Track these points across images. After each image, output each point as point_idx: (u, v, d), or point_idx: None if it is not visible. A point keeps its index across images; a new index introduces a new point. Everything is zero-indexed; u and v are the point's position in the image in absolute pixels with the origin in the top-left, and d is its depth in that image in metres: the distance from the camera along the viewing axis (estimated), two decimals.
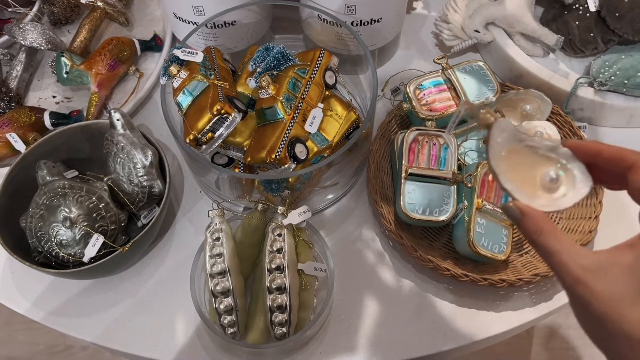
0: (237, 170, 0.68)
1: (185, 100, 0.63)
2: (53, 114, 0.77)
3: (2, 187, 0.66)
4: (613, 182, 0.40)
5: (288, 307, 0.59)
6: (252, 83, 0.65)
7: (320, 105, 0.65)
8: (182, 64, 0.65)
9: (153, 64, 0.87)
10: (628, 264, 0.34)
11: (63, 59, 0.79)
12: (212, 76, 0.64)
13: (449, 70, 0.72)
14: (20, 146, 0.73)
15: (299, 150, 0.62)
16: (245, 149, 0.66)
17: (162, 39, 0.87)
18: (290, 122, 0.62)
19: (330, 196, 0.72)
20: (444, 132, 0.67)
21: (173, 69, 0.64)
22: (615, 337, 0.33)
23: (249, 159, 0.63)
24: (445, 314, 0.65)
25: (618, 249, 0.35)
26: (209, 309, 0.62)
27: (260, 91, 0.64)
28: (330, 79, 0.68)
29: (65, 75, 0.80)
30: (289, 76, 0.64)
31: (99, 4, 0.86)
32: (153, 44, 0.86)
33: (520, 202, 0.39)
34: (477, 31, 0.81)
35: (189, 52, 0.64)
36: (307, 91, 0.65)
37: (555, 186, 0.40)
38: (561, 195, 0.40)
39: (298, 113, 0.63)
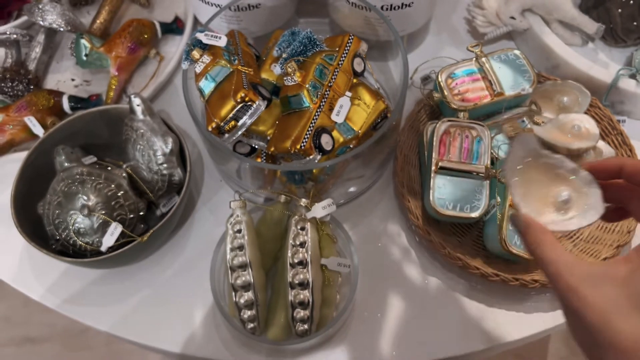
0: (259, 159, 0.65)
1: (207, 86, 0.61)
2: (72, 98, 0.75)
3: (20, 172, 0.65)
4: (628, 203, 0.41)
5: (310, 303, 0.57)
6: (277, 69, 0.63)
7: (348, 93, 0.62)
8: (205, 48, 0.62)
9: (174, 47, 0.84)
10: (622, 277, 0.34)
11: (82, 41, 0.77)
12: (236, 61, 0.61)
13: (483, 59, 0.69)
14: (38, 130, 0.72)
15: (325, 140, 0.59)
16: (268, 138, 0.63)
17: (183, 22, 0.84)
18: (317, 111, 0.60)
19: (354, 189, 0.69)
20: (477, 123, 0.64)
21: (195, 54, 0.61)
22: (604, 347, 0.34)
23: (272, 149, 0.61)
24: (473, 314, 0.63)
25: (614, 262, 0.36)
26: (229, 303, 0.60)
27: (285, 78, 0.61)
28: (358, 66, 0.65)
29: (84, 58, 0.78)
30: (316, 63, 0.62)
31: None
32: (174, 27, 0.84)
33: (526, 215, 0.40)
34: (512, 18, 0.77)
35: (212, 35, 0.62)
36: (335, 79, 0.62)
37: (566, 207, 0.41)
38: (568, 218, 0.41)
39: (325, 102, 0.60)
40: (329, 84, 0.61)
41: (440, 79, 0.68)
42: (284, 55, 0.63)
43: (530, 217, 0.40)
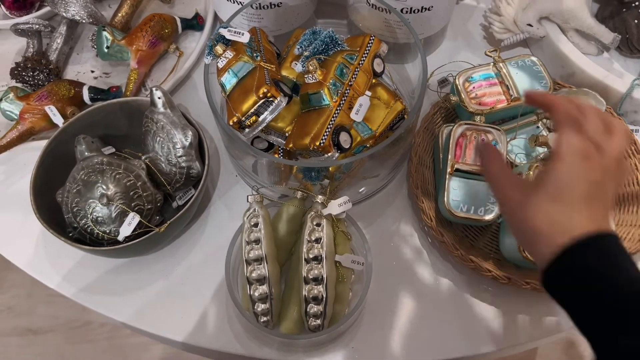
0: (276, 155, 0.66)
1: (229, 81, 0.61)
2: (92, 89, 0.76)
3: (40, 160, 0.66)
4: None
5: (324, 298, 0.57)
6: (298, 67, 0.63)
7: (368, 93, 0.63)
8: (228, 43, 0.63)
9: (193, 43, 0.85)
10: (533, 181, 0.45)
11: (105, 33, 0.78)
12: (259, 58, 0.62)
13: (500, 64, 0.70)
14: (58, 119, 0.73)
15: (344, 139, 0.60)
16: (286, 134, 0.64)
17: (203, 18, 0.85)
18: (336, 109, 0.60)
19: (368, 188, 0.70)
20: (493, 127, 0.65)
21: (219, 49, 0.62)
22: (529, 233, 0.43)
23: (291, 145, 0.61)
24: (483, 316, 0.63)
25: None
26: (242, 296, 0.60)
27: (306, 76, 0.62)
28: (378, 66, 0.65)
29: (105, 50, 0.79)
30: (337, 61, 0.62)
31: None
32: (194, 23, 0.85)
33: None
34: (530, 25, 0.78)
35: (235, 32, 0.62)
36: (355, 78, 0.62)
37: None
38: None
39: (344, 100, 0.61)
40: (349, 83, 0.62)
41: (457, 82, 0.69)
42: (306, 54, 0.63)
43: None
